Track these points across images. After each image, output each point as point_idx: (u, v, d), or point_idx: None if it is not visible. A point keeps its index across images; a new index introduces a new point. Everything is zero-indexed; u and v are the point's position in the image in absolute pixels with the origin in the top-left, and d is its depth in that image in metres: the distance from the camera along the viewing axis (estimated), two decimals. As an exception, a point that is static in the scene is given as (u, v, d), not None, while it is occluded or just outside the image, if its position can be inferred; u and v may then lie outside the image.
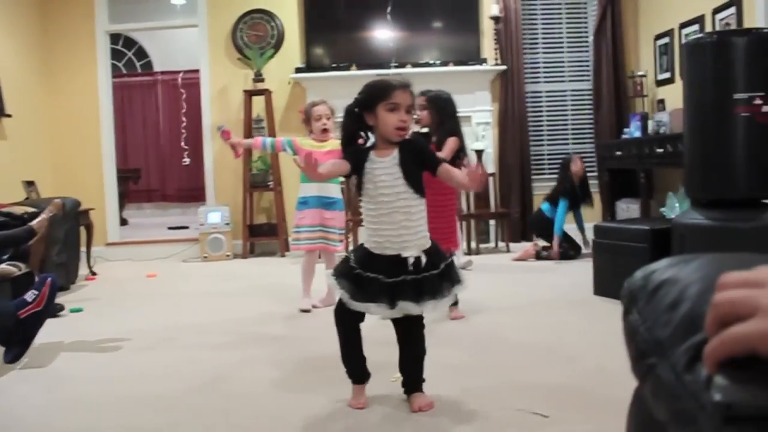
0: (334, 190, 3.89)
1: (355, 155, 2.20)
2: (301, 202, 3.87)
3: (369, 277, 2.09)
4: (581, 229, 5.63)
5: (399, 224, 2.11)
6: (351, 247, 5.74)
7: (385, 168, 2.14)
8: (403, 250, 2.11)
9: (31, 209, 3.99)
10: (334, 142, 3.69)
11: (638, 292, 0.57)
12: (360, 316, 2.18)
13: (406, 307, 2.07)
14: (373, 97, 2.15)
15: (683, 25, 5.65)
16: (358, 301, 2.08)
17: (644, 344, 0.52)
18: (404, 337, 2.25)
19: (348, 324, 2.19)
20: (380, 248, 2.13)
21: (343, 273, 2.15)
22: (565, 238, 5.46)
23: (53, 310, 3.18)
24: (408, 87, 2.16)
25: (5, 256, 3.36)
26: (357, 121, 2.19)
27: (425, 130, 3.78)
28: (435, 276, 2.11)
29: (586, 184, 5.68)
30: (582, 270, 4.62)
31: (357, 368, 2.25)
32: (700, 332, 0.48)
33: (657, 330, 0.52)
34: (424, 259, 2.12)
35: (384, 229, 2.12)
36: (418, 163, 2.18)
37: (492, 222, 6.41)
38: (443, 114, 3.73)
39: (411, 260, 2.10)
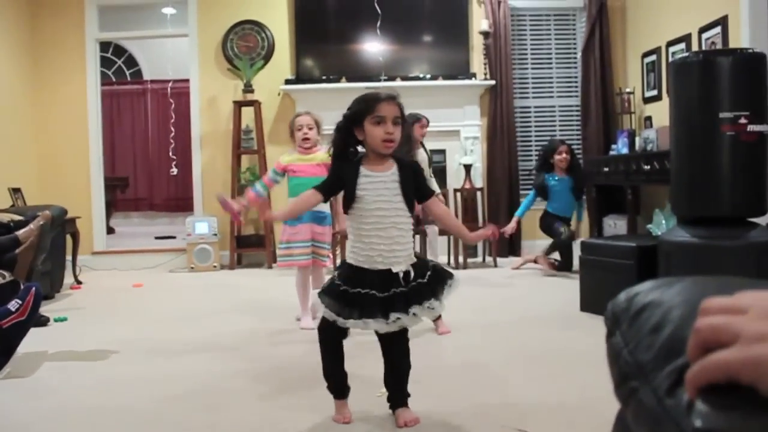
0: (324, 205, 3.80)
1: (344, 169, 2.20)
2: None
3: (359, 293, 2.09)
4: (577, 218, 5.81)
5: (393, 239, 2.12)
6: (339, 260, 5.75)
7: (383, 182, 2.15)
8: (393, 265, 2.11)
9: (17, 217, 3.97)
10: (322, 155, 3.64)
11: (621, 315, 0.57)
12: (344, 333, 2.18)
13: (402, 320, 2.07)
14: (359, 111, 2.16)
15: (670, 44, 5.72)
16: (348, 318, 2.08)
17: (627, 367, 0.53)
18: (389, 351, 2.25)
19: (332, 341, 2.20)
20: (370, 262, 2.12)
21: (329, 291, 2.15)
22: (563, 251, 5.51)
23: (37, 320, 3.15)
24: (393, 99, 2.16)
25: (-10, 265, 3.33)
26: (347, 136, 2.20)
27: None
28: (423, 285, 2.12)
29: (578, 173, 5.71)
30: (568, 286, 4.64)
31: (339, 383, 2.25)
32: (682, 356, 0.48)
33: (639, 353, 0.52)
34: (412, 273, 2.13)
35: (377, 244, 2.12)
36: (414, 186, 2.20)
37: (480, 236, 6.41)
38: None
39: (401, 275, 2.11)
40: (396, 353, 2.24)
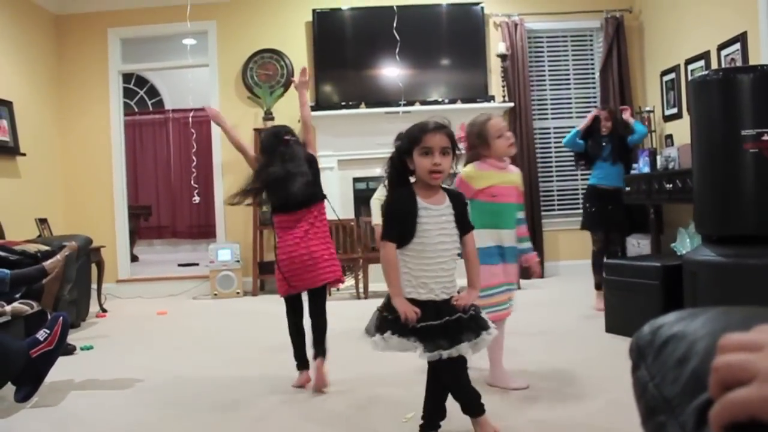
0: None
1: (402, 202, 2.16)
2: (495, 254, 2.84)
3: (432, 325, 2.07)
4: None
5: (450, 270, 2.15)
6: (362, 286, 5.75)
7: (443, 215, 2.15)
8: (452, 293, 2.14)
9: (44, 247, 4.02)
10: (518, 175, 2.99)
11: (646, 347, 0.57)
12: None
13: (471, 343, 2.08)
14: (408, 143, 2.16)
15: (689, 61, 5.70)
16: (438, 350, 2.05)
17: (653, 401, 0.53)
18: (434, 377, 2.24)
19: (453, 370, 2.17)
20: (432, 293, 2.11)
21: (405, 330, 2.08)
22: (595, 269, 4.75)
23: (64, 349, 3.18)
24: (441, 128, 2.13)
25: (17, 295, 3.37)
26: (399, 167, 2.20)
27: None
28: (472, 315, 2.14)
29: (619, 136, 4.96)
30: (592, 306, 4.60)
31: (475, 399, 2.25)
32: (707, 391, 0.48)
33: (665, 387, 0.52)
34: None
35: (440, 276, 2.11)
36: (461, 219, 2.21)
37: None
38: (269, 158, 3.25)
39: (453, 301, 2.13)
40: (440, 378, 2.23)
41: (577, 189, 6.71)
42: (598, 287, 4.62)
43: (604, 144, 4.93)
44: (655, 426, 0.51)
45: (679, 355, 0.52)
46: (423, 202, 2.13)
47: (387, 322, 2.10)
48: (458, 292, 2.16)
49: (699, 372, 0.50)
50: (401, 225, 2.13)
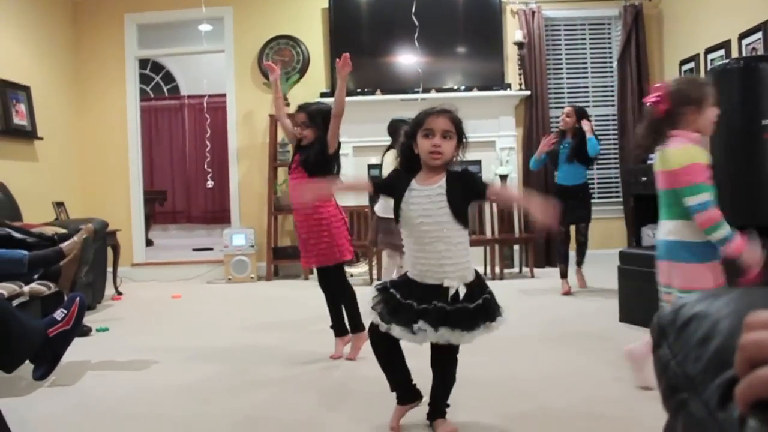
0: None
1: (400, 178, 2.22)
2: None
3: (401, 302, 2.11)
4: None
5: (440, 254, 2.10)
6: (375, 275, 5.76)
7: (428, 196, 2.13)
8: (444, 280, 2.09)
9: (61, 230, 4.06)
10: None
11: (668, 327, 0.57)
12: (392, 339, 2.17)
13: (427, 334, 2.05)
14: (413, 126, 2.19)
15: (708, 50, 5.63)
16: (388, 323, 2.09)
17: (675, 379, 0.53)
18: (436, 362, 2.24)
19: (381, 343, 2.21)
20: (421, 277, 2.13)
21: (382, 298, 2.17)
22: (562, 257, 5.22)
23: (80, 330, 3.22)
24: (444, 112, 2.15)
25: (35, 276, 3.41)
26: (408, 152, 2.22)
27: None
28: (465, 311, 2.08)
29: (580, 137, 5.11)
30: (605, 296, 4.58)
31: (396, 388, 2.26)
32: (731, 368, 0.48)
33: (688, 365, 0.52)
34: (463, 292, 2.09)
35: (425, 258, 2.11)
36: (467, 194, 2.17)
37: (516, 247, 6.38)
38: (325, 130, 3.27)
39: (452, 291, 2.08)
40: (442, 365, 2.23)
41: (593, 177, 6.66)
42: (563, 275, 5.12)
43: (562, 147, 5.13)
44: (677, 403, 0.51)
45: (702, 333, 0.52)
46: (414, 183, 2.17)
47: (379, 291, 2.20)
48: (468, 282, 2.13)
49: (723, 350, 0.49)
50: (388, 187, 2.31)
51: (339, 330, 3.39)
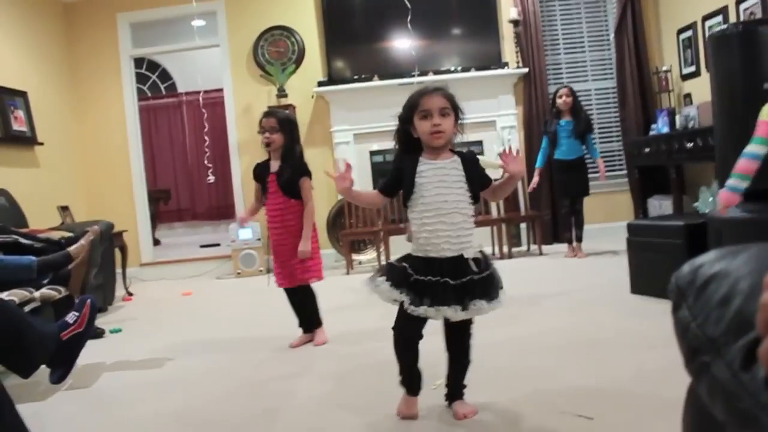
0: None
1: (404, 161, 2.19)
2: None
3: (431, 281, 2.05)
4: (592, 154, 5.60)
5: (458, 225, 2.09)
6: (384, 258, 5.76)
7: (444, 169, 2.12)
8: (464, 251, 2.08)
9: (68, 234, 4.07)
10: None
11: (687, 288, 0.56)
12: (420, 325, 2.13)
13: (481, 307, 2.05)
14: (407, 110, 2.17)
15: (706, 18, 5.58)
16: (420, 306, 2.04)
17: (696, 341, 0.52)
18: (454, 344, 2.23)
19: (408, 334, 2.15)
20: (437, 251, 2.08)
21: (400, 281, 2.09)
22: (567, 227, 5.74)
23: (93, 332, 3.24)
24: (437, 90, 2.14)
25: (45, 281, 3.42)
26: (404, 137, 2.21)
27: None
28: (493, 276, 2.11)
29: (580, 115, 5.51)
30: (616, 266, 4.57)
31: (411, 382, 2.23)
32: (753, 329, 0.47)
33: (709, 327, 0.51)
34: (482, 262, 2.10)
35: (443, 231, 2.08)
36: (476, 177, 2.17)
37: (523, 225, 6.38)
38: (293, 138, 3.43)
39: (472, 261, 2.08)
40: (459, 347, 2.22)
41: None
42: (569, 241, 5.62)
43: (559, 126, 5.47)
44: (699, 366, 0.51)
45: (722, 294, 0.52)
46: (424, 159, 2.15)
47: (389, 268, 2.14)
48: (480, 252, 2.13)
49: (744, 311, 0.49)
50: (396, 180, 2.19)
51: (309, 327, 3.48)
